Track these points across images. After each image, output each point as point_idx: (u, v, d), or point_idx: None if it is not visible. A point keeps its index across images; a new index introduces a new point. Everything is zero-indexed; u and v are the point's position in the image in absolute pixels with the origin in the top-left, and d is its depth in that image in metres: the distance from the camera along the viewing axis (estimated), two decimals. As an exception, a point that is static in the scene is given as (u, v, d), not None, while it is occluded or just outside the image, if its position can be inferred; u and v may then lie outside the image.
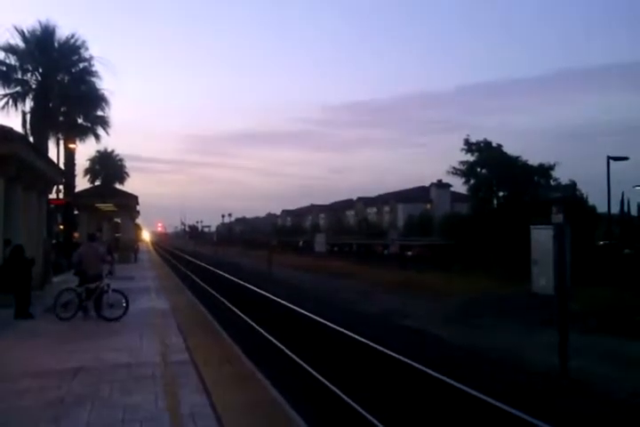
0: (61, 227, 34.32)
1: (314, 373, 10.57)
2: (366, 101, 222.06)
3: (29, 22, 33.07)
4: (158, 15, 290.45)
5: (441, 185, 70.00)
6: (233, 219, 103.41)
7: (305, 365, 11.24)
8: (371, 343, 13.26)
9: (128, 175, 63.15)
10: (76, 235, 35.59)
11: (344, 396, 8.98)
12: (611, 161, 25.15)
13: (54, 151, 30.86)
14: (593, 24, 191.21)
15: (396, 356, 11.88)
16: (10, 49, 30.52)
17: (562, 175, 33.04)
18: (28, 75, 31.37)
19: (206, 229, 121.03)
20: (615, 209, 32.61)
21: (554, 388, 9.77)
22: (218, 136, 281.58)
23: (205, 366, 8.27)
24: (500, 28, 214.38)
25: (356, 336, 14.20)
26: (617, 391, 9.63)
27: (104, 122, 35.68)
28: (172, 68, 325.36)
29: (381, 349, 12.63)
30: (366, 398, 8.83)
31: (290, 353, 12.43)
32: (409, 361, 11.37)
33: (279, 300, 22.74)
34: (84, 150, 71.43)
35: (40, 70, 31.47)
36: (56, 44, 32.17)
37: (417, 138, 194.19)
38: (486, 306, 19.11)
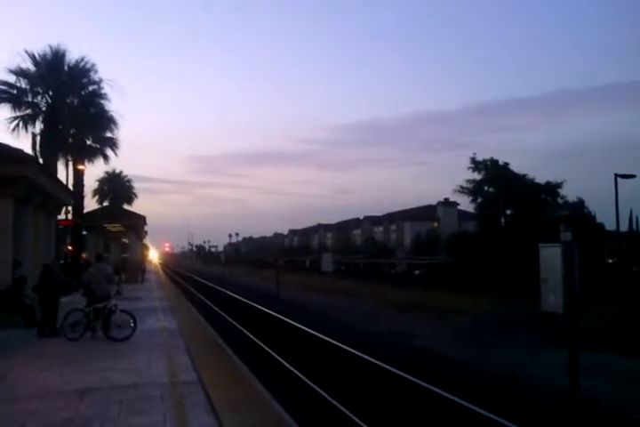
0: (70, 247, 34.45)
1: (322, 393, 10.50)
2: (370, 121, 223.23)
3: (40, 46, 33.32)
4: (162, 36, 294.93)
5: (448, 203, 69.85)
6: (240, 239, 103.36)
7: (314, 385, 11.16)
8: (379, 363, 13.17)
9: (136, 196, 63.31)
10: (84, 255, 35.72)
11: (352, 416, 8.91)
12: (618, 179, 25.12)
13: (63, 173, 31.13)
14: (592, 44, 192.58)
15: (406, 376, 11.79)
16: (21, 72, 30.99)
17: (569, 193, 33.10)
18: (39, 97, 31.81)
19: (213, 249, 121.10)
20: (624, 227, 32.42)
21: (565, 407, 9.65)
22: (222, 156, 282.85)
23: (214, 387, 8.23)
24: (501, 48, 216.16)
25: (364, 356, 14.11)
26: (630, 411, 9.50)
27: (113, 143, 36.02)
28: (177, 90, 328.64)
29: (390, 368, 12.53)
30: (375, 418, 8.76)
31: (298, 373, 12.35)
32: (418, 381, 11.28)
33: (286, 319, 22.66)
34: (93, 171, 71.76)
35: (50, 93, 31.92)
36: (66, 68, 32.67)
37: (421, 156, 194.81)
38: (495, 325, 18.99)
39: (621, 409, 9.61)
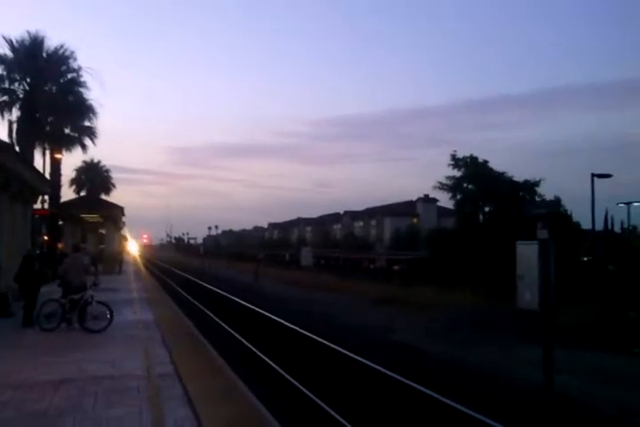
0: (46, 237, 33.98)
1: (300, 386, 10.53)
2: (352, 115, 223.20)
3: (18, 32, 32.79)
4: (145, 27, 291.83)
5: (427, 200, 70.45)
6: (220, 231, 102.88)
7: (292, 379, 11.19)
8: (355, 356, 13.24)
9: (114, 186, 62.61)
10: (60, 245, 35.25)
11: (328, 408, 8.96)
12: (595, 178, 25.46)
13: (40, 161, 30.72)
14: (580, 42, 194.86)
15: (382, 369, 11.87)
16: (-3, 58, 30.44)
17: (547, 191, 33.48)
18: (16, 84, 31.26)
19: (192, 242, 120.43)
20: (599, 226, 32.96)
21: (539, 403, 9.80)
22: (204, 148, 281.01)
23: (190, 379, 8.19)
24: (486, 45, 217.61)
25: (341, 349, 14.17)
26: (603, 408, 9.69)
27: (91, 132, 35.52)
28: (158, 80, 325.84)
29: (366, 362, 12.61)
30: (348, 410, 8.81)
31: (276, 367, 12.37)
32: (393, 375, 11.36)
33: (264, 312, 22.66)
34: (71, 160, 70.68)
35: (28, 80, 31.39)
36: (44, 55, 32.12)
37: (402, 152, 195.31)
38: (471, 321, 19.19)
39: (594, 405, 9.80)
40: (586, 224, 31.40)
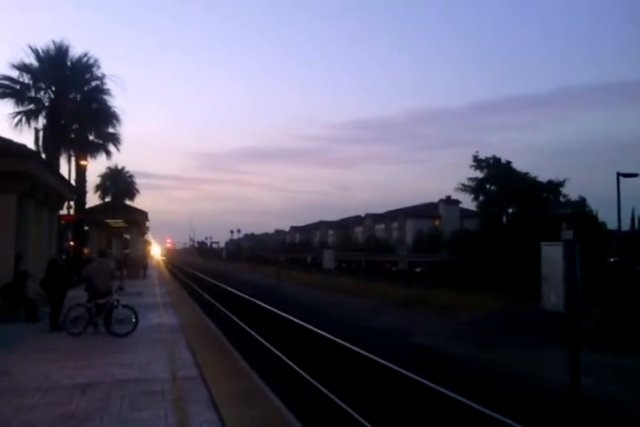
0: (72, 243, 34.51)
1: (323, 389, 10.53)
2: (370, 118, 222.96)
3: (43, 41, 33.54)
4: (167, 33, 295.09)
5: (450, 201, 69.73)
6: (242, 235, 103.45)
7: (313, 381, 11.19)
8: (378, 359, 13.19)
9: (138, 192, 63.52)
10: (85, 251, 35.77)
11: (350, 410, 8.94)
12: (621, 178, 25.06)
13: (66, 168, 31.27)
14: (597, 41, 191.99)
15: (405, 372, 11.80)
16: (24, 68, 31.08)
17: (571, 192, 33.02)
18: (42, 93, 31.89)
19: (215, 246, 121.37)
20: (626, 226, 32.34)
21: (565, 406, 9.67)
22: (225, 153, 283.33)
23: (214, 382, 8.26)
24: (505, 45, 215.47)
25: (363, 352, 14.13)
26: (630, 410, 9.52)
27: (115, 139, 36.10)
28: (181, 86, 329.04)
29: (389, 364, 12.55)
30: (373, 413, 8.78)
31: (299, 370, 12.38)
32: (416, 377, 11.30)
33: (287, 315, 22.69)
34: (95, 167, 71.90)
35: (53, 88, 32.00)
36: (69, 63, 32.75)
37: (423, 154, 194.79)
38: (496, 323, 18.98)
39: (622, 408, 9.64)
40: (612, 224, 30.89)
